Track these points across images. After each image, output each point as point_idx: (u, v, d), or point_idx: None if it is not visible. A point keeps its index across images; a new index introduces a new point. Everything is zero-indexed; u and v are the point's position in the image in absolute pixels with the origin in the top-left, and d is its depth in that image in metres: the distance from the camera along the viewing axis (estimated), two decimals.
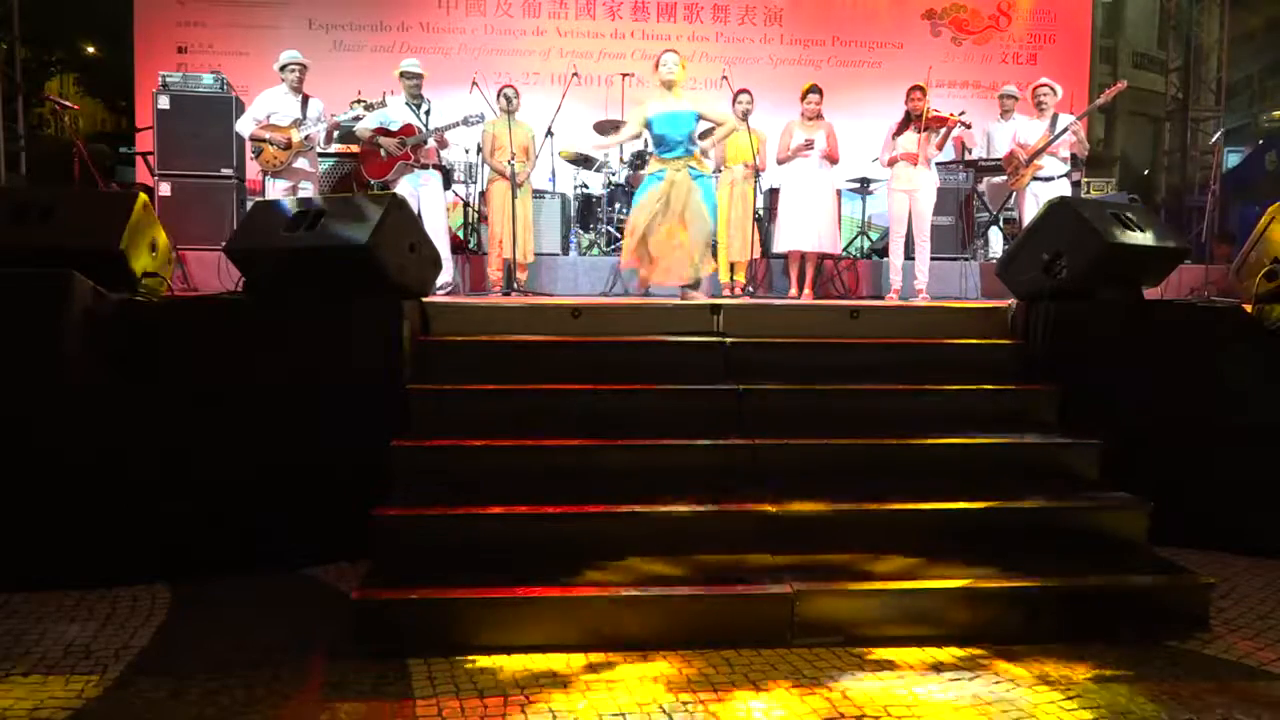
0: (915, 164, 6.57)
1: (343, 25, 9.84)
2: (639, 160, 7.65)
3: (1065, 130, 6.56)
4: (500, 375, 3.57)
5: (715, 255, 6.26)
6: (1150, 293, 4.24)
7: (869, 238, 8.38)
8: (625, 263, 5.48)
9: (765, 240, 7.39)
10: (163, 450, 3.23)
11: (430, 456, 3.26)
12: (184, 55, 9.57)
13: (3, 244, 3.37)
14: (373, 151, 6.61)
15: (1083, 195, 8.48)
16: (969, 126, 6.97)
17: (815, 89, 6.81)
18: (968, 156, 8.17)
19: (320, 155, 7.18)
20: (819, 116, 6.83)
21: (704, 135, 5.54)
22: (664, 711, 2.29)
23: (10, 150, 9.45)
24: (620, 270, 5.32)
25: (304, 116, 6.47)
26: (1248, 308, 3.83)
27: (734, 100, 6.75)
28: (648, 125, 5.25)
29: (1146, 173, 17.20)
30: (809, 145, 6.73)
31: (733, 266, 7.01)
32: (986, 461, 3.43)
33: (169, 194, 7.39)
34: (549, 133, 7.39)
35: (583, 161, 7.96)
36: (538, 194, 7.52)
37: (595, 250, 7.83)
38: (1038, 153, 6.61)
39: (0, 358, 3.08)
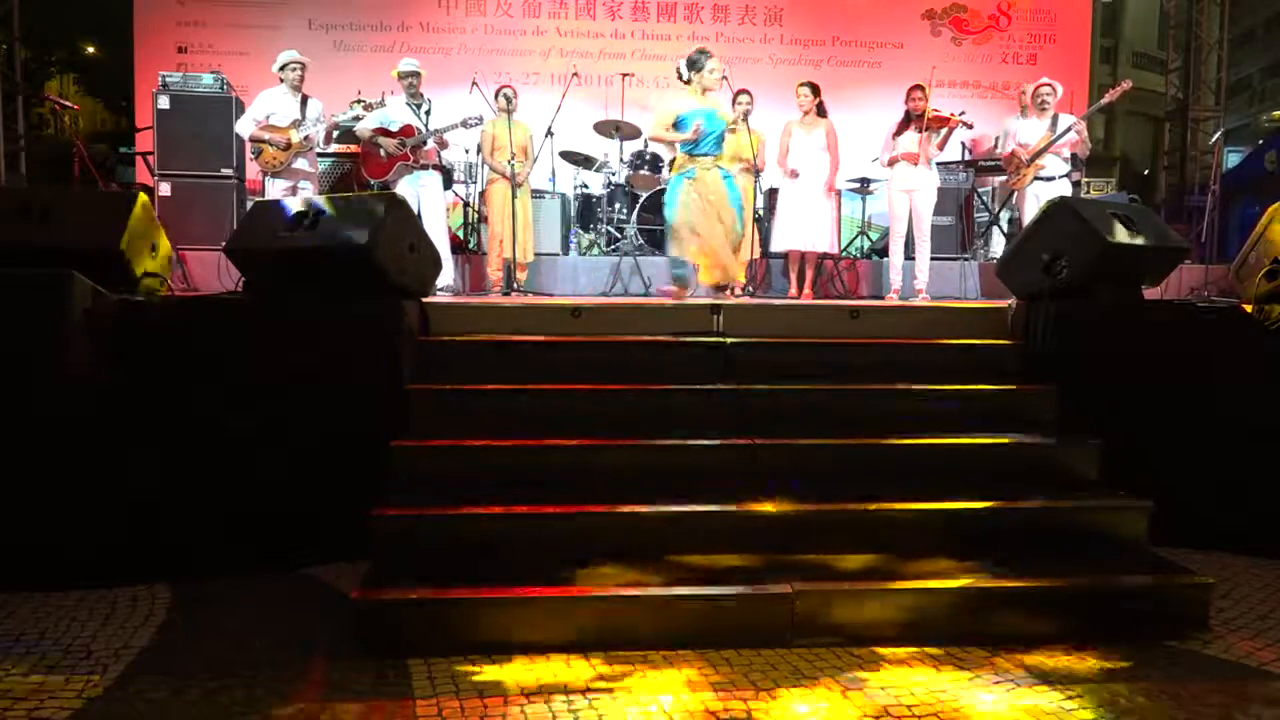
0: (916, 164, 6.58)
1: (343, 25, 9.85)
2: (639, 160, 7.65)
3: (1069, 130, 6.56)
4: (500, 375, 3.57)
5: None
6: (1150, 293, 4.24)
7: (869, 238, 8.38)
8: (698, 267, 5.45)
9: (765, 240, 7.39)
10: (162, 450, 3.23)
11: (430, 456, 3.26)
12: (184, 55, 9.57)
13: (3, 244, 3.37)
14: (373, 152, 6.62)
15: (1082, 195, 8.48)
16: (970, 127, 6.96)
17: (806, 84, 6.89)
18: (997, 153, 8.11)
19: (320, 155, 7.19)
20: (811, 111, 6.84)
21: None
22: (664, 711, 2.29)
23: (10, 150, 9.44)
24: (692, 271, 5.31)
25: (303, 117, 6.46)
26: (1248, 308, 3.82)
27: (734, 101, 6.74)
28: (678, 123, 5.26)
29: (1146, 173, 17.21)
30: (794, 176, 6.82)
31: None
32: (986, 461, 3.43)
33: (169, 194, 7.39)
34: (549, 133, 7.38)
35: (583, 161, 7.96)
36: (537, 194, 7.51)
37: (595, 250, 7.82)
38: (1040, 152, 6.61)
39: (0, 358, 3.08)
